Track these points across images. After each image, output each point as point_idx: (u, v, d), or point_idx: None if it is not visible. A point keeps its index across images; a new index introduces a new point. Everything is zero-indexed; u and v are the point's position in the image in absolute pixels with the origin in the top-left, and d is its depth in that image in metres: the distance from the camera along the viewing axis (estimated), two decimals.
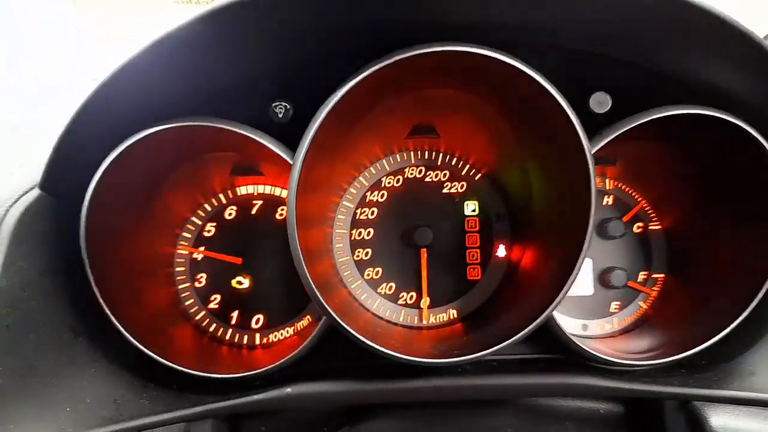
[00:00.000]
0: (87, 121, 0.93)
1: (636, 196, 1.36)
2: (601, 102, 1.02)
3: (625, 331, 1.33)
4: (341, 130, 1.09)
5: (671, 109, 0.99)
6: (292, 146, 0.97)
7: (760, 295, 1.08)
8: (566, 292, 1.01)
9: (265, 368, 1.09)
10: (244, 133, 0.99)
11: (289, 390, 1.06)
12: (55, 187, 1.00)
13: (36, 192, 0.99)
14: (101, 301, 1.02)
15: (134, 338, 1.05)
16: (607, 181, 1.36)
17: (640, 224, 1.36)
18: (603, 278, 1.33)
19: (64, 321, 1.03)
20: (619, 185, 1.36)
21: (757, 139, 1.01)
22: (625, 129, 1.00)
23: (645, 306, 1.35)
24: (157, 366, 1.07)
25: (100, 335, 1.08)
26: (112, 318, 1.03)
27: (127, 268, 1.14)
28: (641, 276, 1.35)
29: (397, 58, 0.87)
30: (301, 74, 1.05)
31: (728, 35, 0.90)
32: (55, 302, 1.02)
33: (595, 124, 1.03)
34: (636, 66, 1.04)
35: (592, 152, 0.96)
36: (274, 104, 1.04)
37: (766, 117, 1.02)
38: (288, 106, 1.04)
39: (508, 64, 0.89)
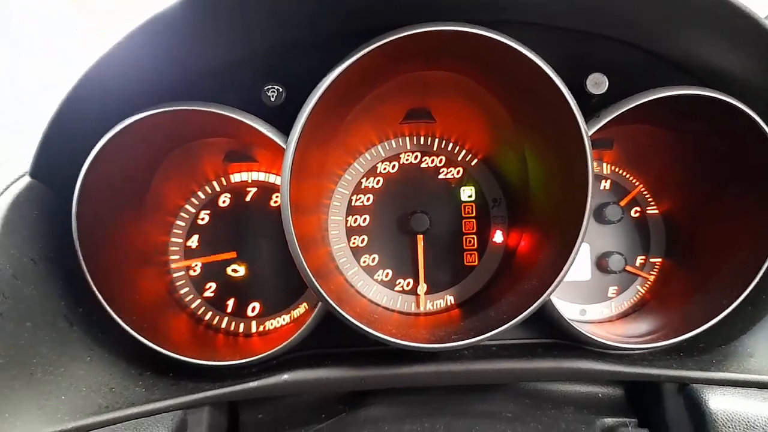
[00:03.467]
0: (75, 108, 0.92)
1: (633, 181, 1.35)
2: (597, 83, 1.01)
3: (623, 316, 1.33)
4: (335, 115, 1.08)
5: (669, 90, 0.98)
6: (286, 130, 0.96)
7: (758, 277, 1.07)
8: (563, 277, 1.00)
9: (262, 355, 1.08)
10: (236, 117, 0.98)
11: (285, 377, 1.06)
12: (45, 175, 0.99)
13: (27, 179, 0.98)
14: (95, 289, 1.01)
15: (129, 326, 1.04)
16: (604, 165, 1.35)
17: (638, 209, 1.35)
18: (600, 263, 1.33)
19: (58, 309, 1.03)
20: (617, 169, 1.35)
21: (755, 119, 1.00)
22: (624, 110, 0.99)
23: (643, 290, 1.34)
24: (153, 354, 1.06)
25: (96, 324, 1.07)
26: (107, 306, 1.02)
27: (121, 256, 1.13)
28: (639, 260, 1.35)
29: (387, 39, 0.86)
30: (293, 56, 1.04)
31: (727, 14, 0.89)
32: (49, 291, 1.02)
33: (591, 107, 1.02)
34: (633, 46, 1.03)
35: (590, 134, 0.95)
36: (266, 87, 1.03)
37: (764, 97, 1.01)
38: (281, 90, 1.03)
39: (502, 43, 0.87)
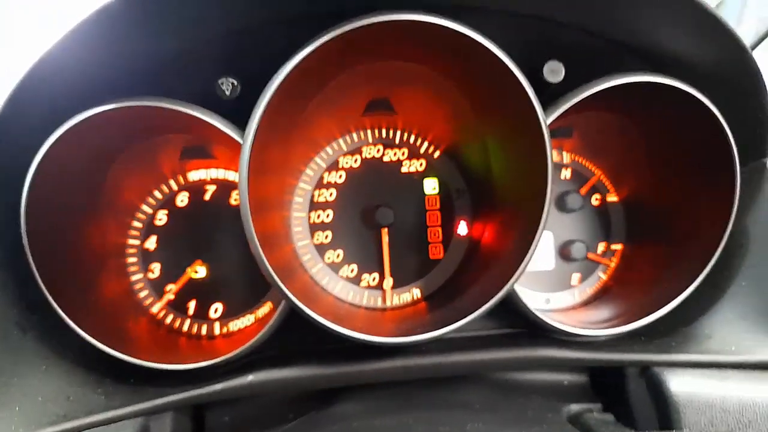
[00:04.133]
0: (21, 107, 0.88)
1: (593, 168, 1.37)
2: (554, 70, 1.01)
3: (587, 303, 1.35)
4: (294, 107, 1.06)
5: (626, 77, 0.99)
6: (242, 125, 0.93)
7: (714, 259, 1.10)
8: (526, 266, 1.01)
9: (225, 357, 1.06)
10: (188, 111, 0.95)
11: (250, 378, 1.04)
12: None
13: None
14: (47, 294, 0.97)
15: (86, 332, 1.01)
16: (564, 154, 1.36)
17: (598, 196, 1.37)
18: (563, 251, 1.34)
19: (9, 317, 0.99)
20: (577, 158, 1.36)
21: (709, 107, 1.02)
22: (581, 97, 0.99)
23: (605, 277, 1.36)
24: (112, 360, 1.03)
25: (51, 330, 1.03)
26: (61, 312, 0.98)
27: (76, 259, 1.09)
28: (601, 247, 1.37)
29: (342, 30, 0.84)
30: (247, 47, 1.01)
31: (681, 2, 0.91)
32: (0, 297, 0.97)
33: (549, 95, 1.02)
34: (590, 33, 1.04)
35: (548, 122, 0.95)
36: (219, 80, 1.00)
37: (718, 85, 1.04)
38: (235, 83, 1.00)
39: (457, 31, 0.87)
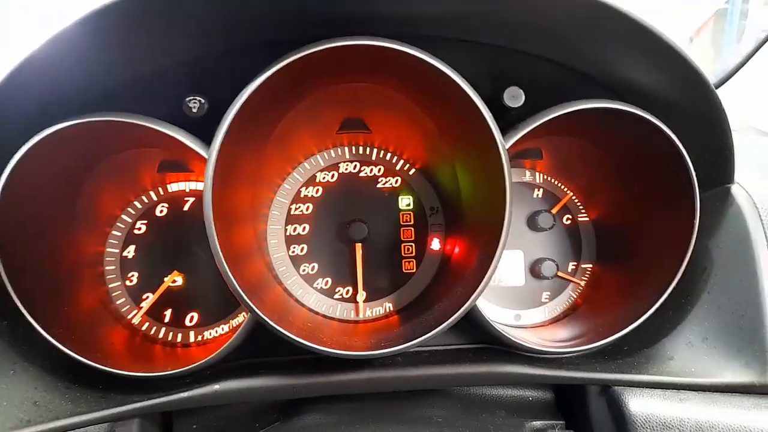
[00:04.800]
0: None
1: (564, 189, 1.39)
2: (514, 96, 1.04)
3: (556, 320, 1.37)
4: (263, 124, 1.09)
5: (582, 104, 1.02)
6: (210, 141, 0.96)
7: (674, 282, 1.12)
8: (488, 282, 1.03)
9: (193, 366, 1.08)
10: (157, 128, 0.98)
11: (216, 387, 1.06)
12: None
13: None
14: (17, 301, 0.99)
15: (55, 339, 1.03)
16: (537, 174, 1.39)
17: (569, 216, 1.39)
18: (534, 269, 1.36)
19: None
20: (549, 178, 1.39)
21: (667, 134, 1.05)
22: (539, 123, 1.02)
23: (575, 296, 1.38)
24: (81, 367, 1.05)
25: (21, 337, 1.06)
26: (30, 318, 1.00)
27: (50, 268, 1.11)
28: (571, 266, 1.39)
29: (300, 54, 0.87)
30: (215, 68, 1.04)
31: (639, 35, 0.94)
32: None
33: (510, 120, 1.05)
34: (551, 62, 1.07)
35: (507, 146, 0.98)
36: (187, 99, 1.03)
37: (675, 111, 1.06)
38: (203, 101, 1.03)
39: (417, 57, 0.90)
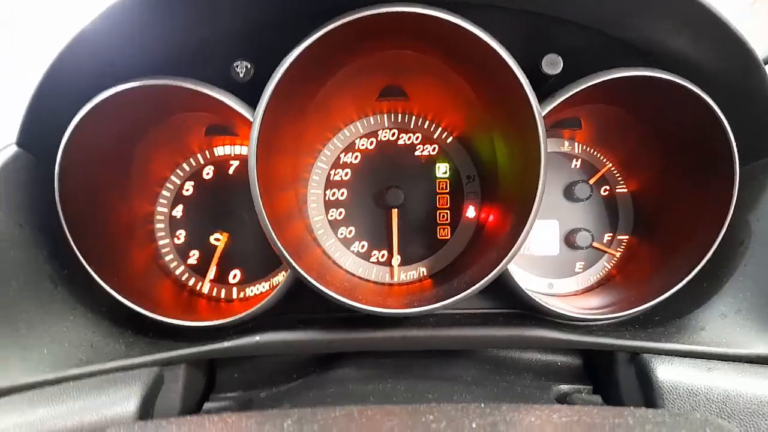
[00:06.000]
0: (57, 80, 0.98)
1: (603, 159, 1.39)
2: (552, 63, 1.04)
3: (589, 290, 1.38)
4: (306, 91, 1.12)
5: (622, 71, 1.01)
6: (256, 106, 1.00)
7: (709, 254, 1.11)
8: (518, 250, 1.05)
9: (236, 317, 1.14)
10: (205, 91, 1.02)
11: (257, 338, 1.12)
12: (30, 145, 1.05)
13: (14, 148, 1.04)
14: (77, 252, 1.07)
15: (112, 288, 1.10)
16: (576, 144, 1.39)
17: (607, 187, 1.39)
18: (568, 239, 1.38)
19: (43, 271, 1.09)
20: (587, 148, 1.39)
21: (709, 104, 1.03)
22: (576, 90, 1.02)
23: (609, 266, 1.39)
24: (134, 315, 1.12)
25: (80, 285, 1.14)
26: (89, 268, 1.08)
27: (107, 224, 1.19)
28: (606, 237, 1.39)
29: (344, 20, 0.90)
30: (262, 35, 1.08)
31: (681, 2, 0.92)
32: (35, 253, 1.08)
33: (548, 87, 1.06)
34: (589, 28, 1.07)
35: (543, 114, 0.99)
36: (234, 64, 1.07)
37: (713, 78, 1.05)
38: (249, 66, 1.07)
39: (456, 24, 0.91)
